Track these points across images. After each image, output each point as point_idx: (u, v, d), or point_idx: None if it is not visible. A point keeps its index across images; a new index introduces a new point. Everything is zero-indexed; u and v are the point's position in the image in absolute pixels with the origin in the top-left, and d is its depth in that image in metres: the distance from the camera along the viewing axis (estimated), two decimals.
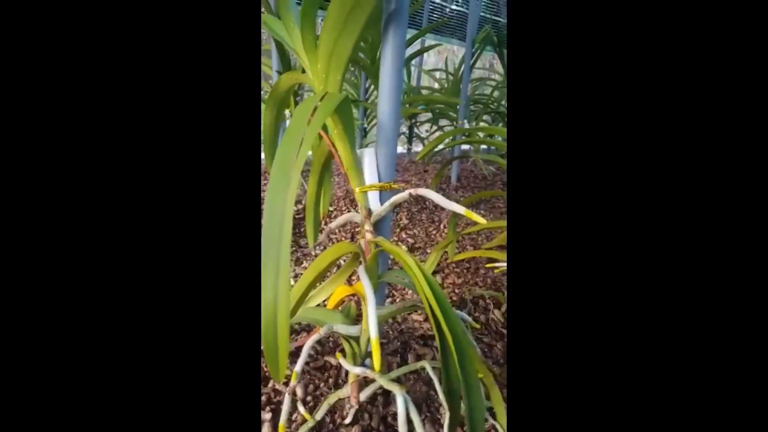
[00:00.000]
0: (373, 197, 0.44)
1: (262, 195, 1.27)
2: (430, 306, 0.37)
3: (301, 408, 0.42)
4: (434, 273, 0.99)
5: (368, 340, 0.44)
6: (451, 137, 1.17)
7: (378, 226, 0.46)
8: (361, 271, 0.41)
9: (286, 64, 0.92)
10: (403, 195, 0.42)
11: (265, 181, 1.64)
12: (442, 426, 0.50)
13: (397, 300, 0.85)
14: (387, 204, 0.43)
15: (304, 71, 0.47)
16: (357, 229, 1.18)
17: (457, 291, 0.90)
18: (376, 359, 0.35)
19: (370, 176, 0.44)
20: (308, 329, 0.67)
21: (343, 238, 1.14)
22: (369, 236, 0.44)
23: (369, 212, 0.44)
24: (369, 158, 0.44)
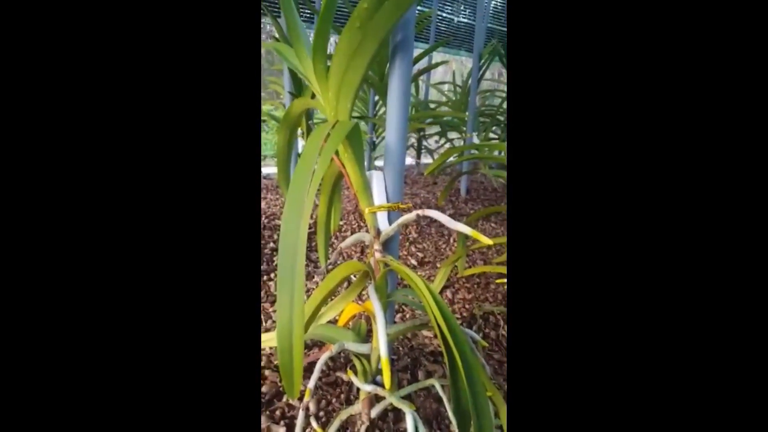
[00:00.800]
0: (382, 217, 0.45)
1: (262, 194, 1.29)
2: (438, 325, 0.38)
3: (314, 423, 0.43)
4: (444, 288, 0.99)
5: (378, 357, 0.45)
6: (459, 153, 1.18)
7: (386, 245, 0.47)
8: (371, 290, 0.42)
9: (297, 84, 0.95)
10: (410, 216, 0.43)
11: (268, 195, 1.67)
12: None
13: (408, 317, 0.85)
14: (395, 225, 0.44)
15: (314, 96, 0.49)
16: (367, 248, 1.18)
17: (467, 306, 0.90)
18: (387, 378, 0.36)
19: (379, 197, 0.45)
20: (320, 345, 0.68)
21: (353, 254, 1.15)
22: (378, 255, 0.45)
23: (378, 232, 0.45)
24: (377, 180, 0.46)
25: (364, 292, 0.90)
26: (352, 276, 0.91)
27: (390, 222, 0.45)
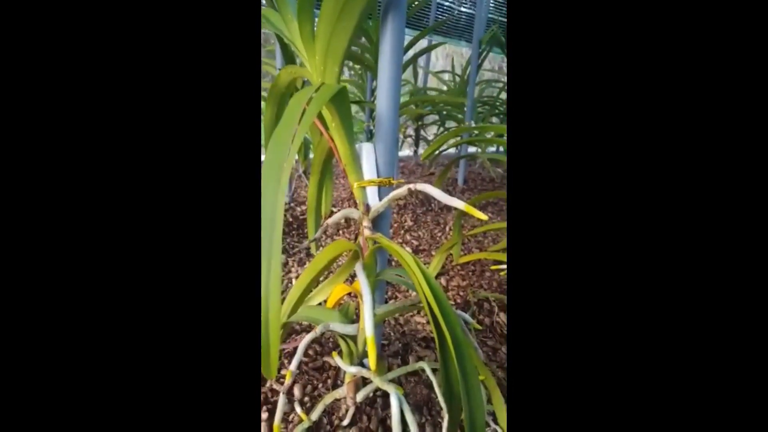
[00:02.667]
0: (372, 193, 0.43)
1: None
2: (429, 305, 0.36)
3: (298, 408, 0.41)
4: (439, 275, 0.97)
5: (365, 339, 0.43)
6: (457, 136, 1.16)
7: (377, 223, 0.45)
8: (358, 268, 0.40)
9: (289, 61, 0.92)
10: (402, 190, 0.41)
11: None
12: (442, 429, 0.49)
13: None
14: (386, 200, 0.42)
15: (303, 65, 0.47)
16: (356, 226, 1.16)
17: (461, 293, 0.88)
18: (372, 359, 0.34)
19: (369, 171, 0.43)
20: (309, 329, 0.66)
21: (347, 235, 1.13)
22: (367, 233, 0.43)
23: (367, 208, 0.43)
24: (368, 153, 0.43)
25: (354, 275, 0.89)
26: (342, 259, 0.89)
27: (380, 198, 0.43)
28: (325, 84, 0.36)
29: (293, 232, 1.12)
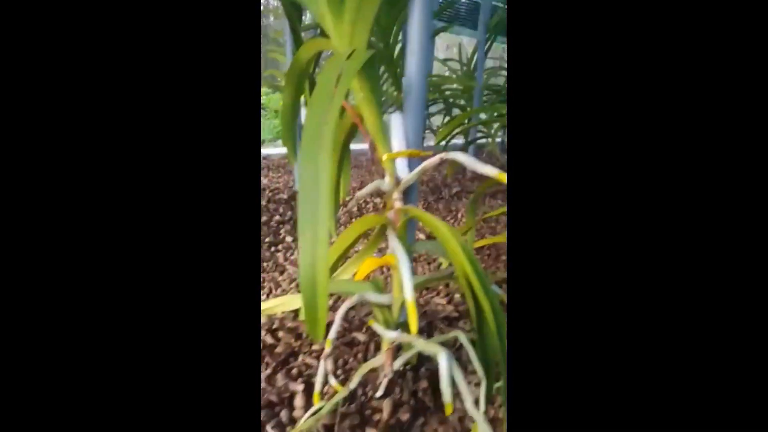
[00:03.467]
0: (402, 164, 0.43)
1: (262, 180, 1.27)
2: (466, 275, 0.36)
3: (332, 380, 0.42)
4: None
5: (400, 307, 0.43)
6: (467, 119, 1.15)
7: (406, 196, 0.45)
8: (392, 238, 0.40)
9: (299, 46, 0.92)
10: (434, 160, 0.41)
11: (270, 173, 1.64)
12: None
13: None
14: (417, 170, 0.42)
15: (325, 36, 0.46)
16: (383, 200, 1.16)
17: None
18: (413, 322, 0.34)
19: (398, 142, 0.43)
20: (336, 308, 0.67)
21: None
22: (398, 204, 0.43)
23: (397, 180, 0.43)
24: (396, 124, 0.43)
25: (381, 249, 0.89)
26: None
27: (410, 169, 0.43)
28: (357, 50, 0.36)
29: None
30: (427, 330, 0.64)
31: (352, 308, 0.70)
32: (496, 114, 1.16)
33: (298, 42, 0.95)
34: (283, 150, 1.97)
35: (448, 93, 1.68)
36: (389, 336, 0.36)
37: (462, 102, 1.79)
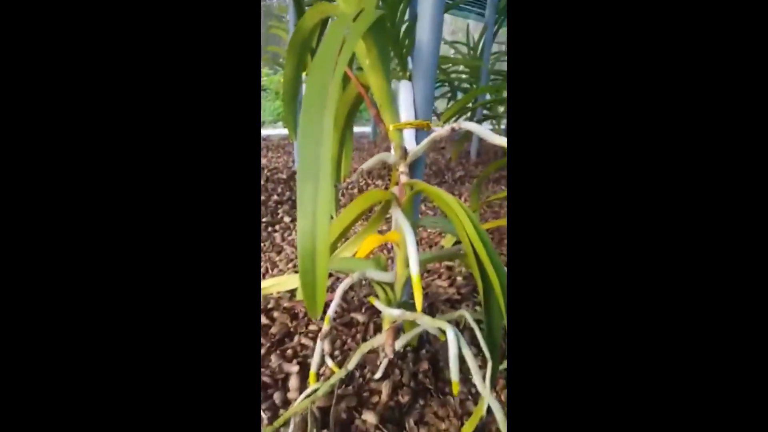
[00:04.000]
0: (409, 136, 0.41)
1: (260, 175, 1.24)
2: (476, 252, 0.34)
3: (329, 361, 0.40)
4: (457, 243, 0.95)
5: (403, 285, 0.41)
6: (474, 99, 1.12)
7: (412, 169, 0.43)
8: (397, 212, 0.38)
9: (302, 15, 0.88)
10: (444, 130, 0.38)
11: (269, 153, 1.61)
12: (468, 384, 0.48)
13: None
14: (425, 142, 0.39)
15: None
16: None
17: None
18: (418, 299, 0.33)
19: (406, 111, 0.40)
20: (335, 288, 0.65)
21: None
22: (404, 178, 0.41)
23: (404, 152, 0.41)
24: (405, 92, 0.41)
25: (382, 230, 0.87)
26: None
27: (418, 141, 0.41)
28: (365, 10, 0.33)
29: None
30: (429, 312, 0.63)
31: (351, 287, 0.68)
32: (501, 96, 1.13)
33: (300, 13, 0.92)
34: (284, 131, 1.94)
35: (453, 76, 1.64)
36: (392, 314, 0.34)
37: (467, 85, 1.75)
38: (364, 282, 0.66)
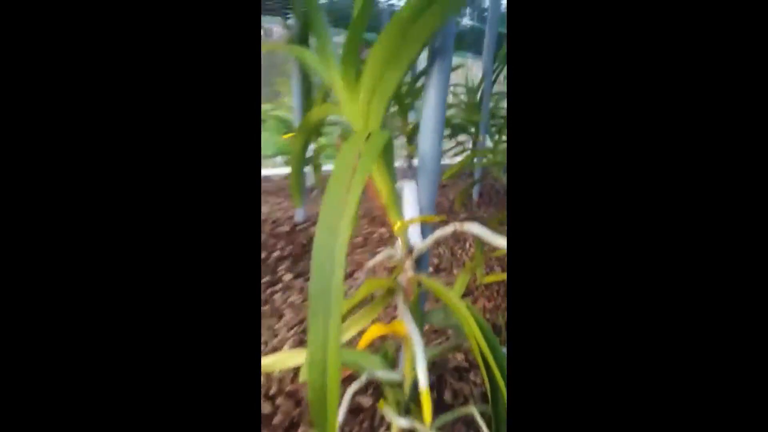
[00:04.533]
0: (415, 232, 0.42)
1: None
2: (482, 355, 0.35)
3: None
4: (463, 296, 0.95)
5: (411, 384, 0.41)
6: (474, 159, 1.15)
7: (418, 262, 0.44)
8: (405, 313, 0.39)
9: (307, 87, 0.92)
10: (447, 230, 0.40)
11: (269, 198, 1.63)
12: None
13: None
14: (429, 239, 0.41)
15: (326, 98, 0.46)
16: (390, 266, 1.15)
17: (488, 316, 0.87)
18: (427, 412, 0.33)
19: (411, 210, 0.42)
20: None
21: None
22: (411, 274, 0.42)
23: (410, 248, 0.42)
24: (410, 191, 0.43)
25: (382, 312, 0.87)
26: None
27: (423, 237, 0.42)
28: (374, 134, 0.35)
29: (307, 254, 1.12)
30: (436, 385, 0.62)
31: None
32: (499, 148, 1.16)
33: (304, 82, 0.95)
34: (285, 170, 1.96)
35: (454, 122, 1.68)
36: (401, 424, 0.34)
37: (469, 126, 1.79)
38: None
